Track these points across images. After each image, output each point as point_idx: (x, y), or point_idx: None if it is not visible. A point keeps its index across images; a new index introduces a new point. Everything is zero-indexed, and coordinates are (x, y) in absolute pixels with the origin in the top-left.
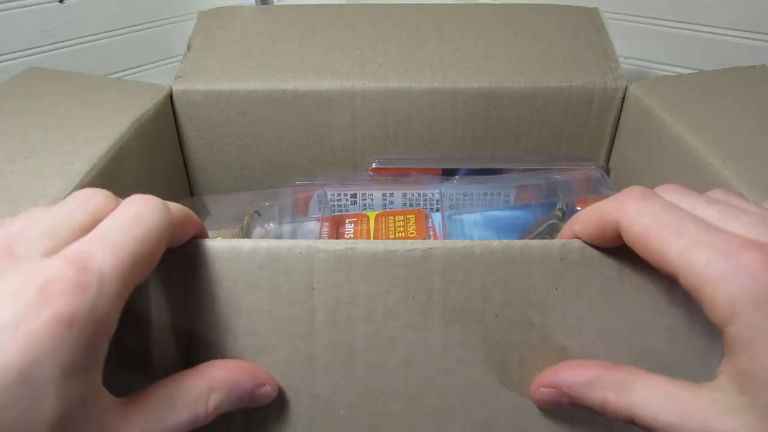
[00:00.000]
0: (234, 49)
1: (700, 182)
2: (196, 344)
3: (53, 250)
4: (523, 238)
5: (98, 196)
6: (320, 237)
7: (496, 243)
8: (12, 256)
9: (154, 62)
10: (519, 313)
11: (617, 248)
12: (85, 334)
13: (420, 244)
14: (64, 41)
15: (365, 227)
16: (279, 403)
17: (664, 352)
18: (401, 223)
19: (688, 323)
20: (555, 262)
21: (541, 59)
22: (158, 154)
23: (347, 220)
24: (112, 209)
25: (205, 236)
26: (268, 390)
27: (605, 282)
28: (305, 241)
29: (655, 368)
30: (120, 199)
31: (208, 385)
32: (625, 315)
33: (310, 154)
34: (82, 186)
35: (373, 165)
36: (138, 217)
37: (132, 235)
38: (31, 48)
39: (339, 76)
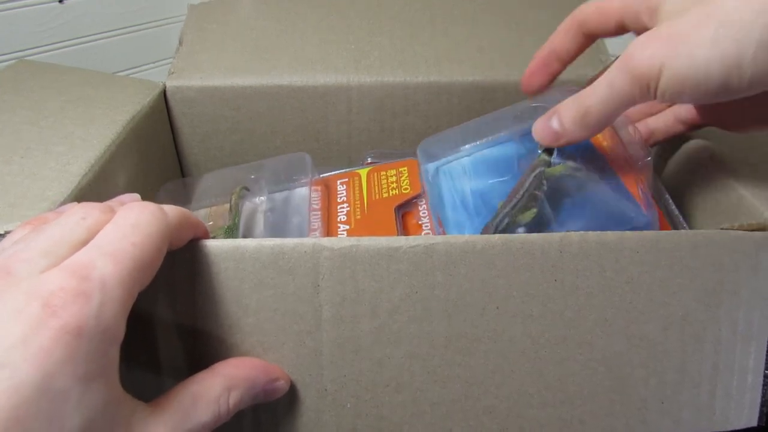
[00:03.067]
0: (227, 44)
1: (691, 163)
2: (203, 343)
3: (53, 267)
4: (511, 197)
5: (95, 212)
6: (311, 203)
7: (497, 237)
8: (11, 276)
9: (154, 62)
10: (520, 305)
11: (614, 242)
12: (94, 342)
13: (422, 240)
14: (64, 41)
15: (357, 186)
16: (288, 398)
17: (660, 340)
18: (394, 177)
19: (683, 312)
20: (554, 255)
21: (534, 52)
22: (153, 152)
23: (339, 181)
24: (110, 221)
25: (207, 236)
26: (281, 384)
27: (602, 274)
28: (310, 240)
29: (652, 355)
30: (116, 209)
31: (227, 384)
32: (621, 305)
33: (305, 148)
34: (80, 188)
35: (369, 159)
36: (135, 224)
37: (131, 242)
38: (31, 48)
39: (334, 70)
